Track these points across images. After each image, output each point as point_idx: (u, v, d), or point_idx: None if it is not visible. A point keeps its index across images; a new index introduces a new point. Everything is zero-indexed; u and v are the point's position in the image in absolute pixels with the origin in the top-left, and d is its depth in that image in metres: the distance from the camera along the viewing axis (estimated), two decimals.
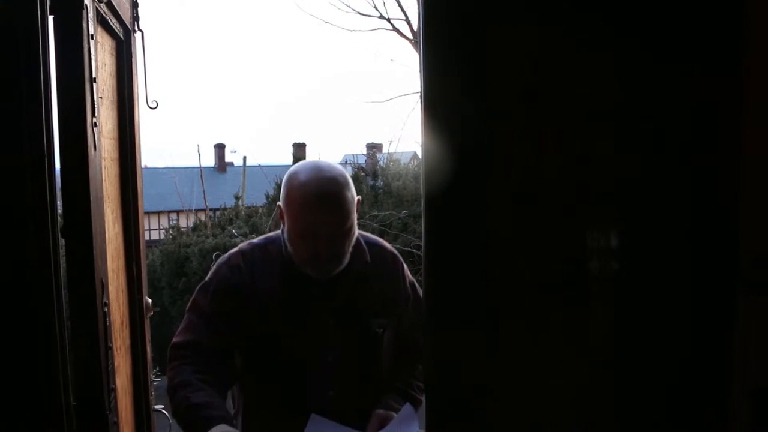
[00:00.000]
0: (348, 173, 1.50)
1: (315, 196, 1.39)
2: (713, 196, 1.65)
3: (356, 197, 1.47)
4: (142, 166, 2.15)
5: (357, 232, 1.52)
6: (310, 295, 1.51)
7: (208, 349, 1.44)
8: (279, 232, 1.56)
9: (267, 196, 9.32)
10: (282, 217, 1.49)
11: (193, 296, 1.55)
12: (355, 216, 1.46)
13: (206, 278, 1.56)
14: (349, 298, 1.54)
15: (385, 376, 1.63)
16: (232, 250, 1.59)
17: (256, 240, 1.62)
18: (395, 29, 9.62)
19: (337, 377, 1.54)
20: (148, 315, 2.21)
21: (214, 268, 1.57)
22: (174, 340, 1.49)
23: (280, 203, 1.49)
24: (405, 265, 1.69)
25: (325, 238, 1.41)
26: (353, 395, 1.56)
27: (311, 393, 1.52)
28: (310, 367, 1.52)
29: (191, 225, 9.62)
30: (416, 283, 1.66)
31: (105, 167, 1.71)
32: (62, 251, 1.45)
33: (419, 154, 1.82)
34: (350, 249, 1.48)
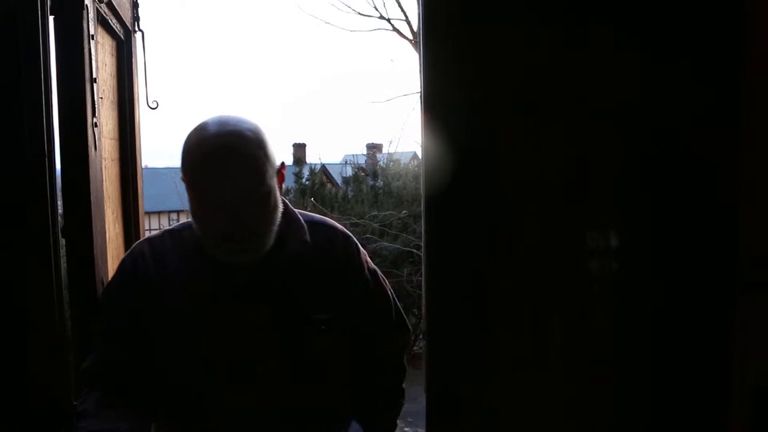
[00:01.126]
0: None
1: (213, 153, 1.09)
2: (713, 196, 1.65)
3: (276, 160, 1.19)
4: (143, 166, 2.16)
5: (281, 205, 1.23)
6: (233, 288, 1.21)
7: (114, 367, 1.17)
8: None
9: None
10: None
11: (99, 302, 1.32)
12: (275, 182, 1.17)
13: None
14: (283, 288, 1.24)
15: (334, 391, 1.31)
16: (142, 239, 1.32)
17: (174, 226, 1.34)
18: (395, 29, 9.63)
19: (269, 395, 1.22)
20: None
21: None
22: (82, 365, 1.25)
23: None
24: (362, 250, 1.38)
25: (231, 207, 1.10)
26: (293, 420, 1.24)
27: (235, 420, 1.21)
28: (234, 382, 1.21)
29: None
30: (379, 272, 1.39)
31: (105, 167, 1.71)
32: (63, 251, 1.45)
33: (419, 154, 1.73)
34: (274, 225, 1.19)
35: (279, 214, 1.21)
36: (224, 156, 1.10)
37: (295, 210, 1.32)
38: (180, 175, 1.18)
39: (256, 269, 1.22)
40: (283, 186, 1.24)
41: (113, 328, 1.21)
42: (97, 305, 1.30)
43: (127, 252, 1.30)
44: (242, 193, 1.12)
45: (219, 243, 1.15)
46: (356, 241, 1.38)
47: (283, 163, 1.22)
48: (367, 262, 1.40)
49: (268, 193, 1.16)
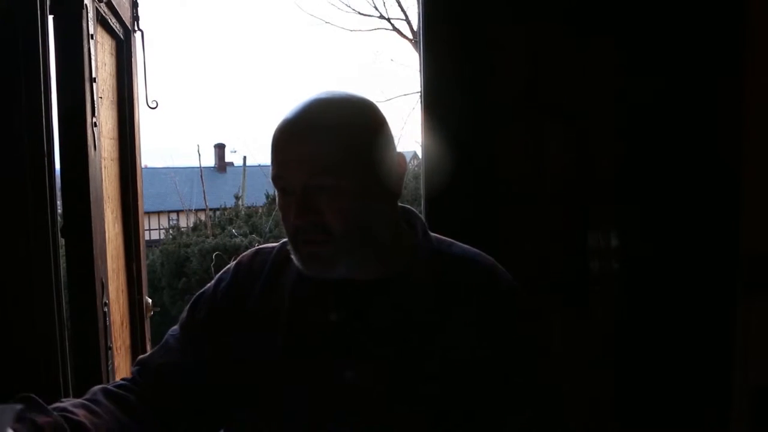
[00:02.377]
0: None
1: (289, 123, 0.86)
2: (713, 197, 1.65)
3: (387, 148, 0.89)
4: (142, 165, 2.15)
5: (394, 214, 0.94)
6: (320, 320, 0.90)
7: (152, 371, 0.94)
8: None
9: (267, 196, 9.31)
10: None
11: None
12: (376, 175, 0.87)
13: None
14: (389, 332, 0.89)
15: None
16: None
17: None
18: (395, 29, 9.63)
19: None
20: (148, 315, 2.21)
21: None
22: None
23: None
24: (523, 306, 0.96)
25: (297, 183, 0.84)
26: None
27: None
28: None
29: (191, 225, 9.61)
30: (535, 342, 0.97)
31: (105, 167, 1.71)
32: (62, 251, 1.45)
33: (419, 153, 1.64)
34: (365, 231, 0.87)
35: (385, 224, 0.90)
36: (298, 123, 0.86)
37: (439, 237, 0.99)
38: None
39: (344, 294, 0.90)
40: (402, 189, 0.92)
41: (180, 326, 0.99)
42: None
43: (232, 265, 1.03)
44: (309, 166, 0.83)
45: (294, 241, 0.87)
46: (521, 295, 0.96)
47: (400, 155, 0.92)
48: (523, 325, 0.95)
49: (355, 180, 0.85)
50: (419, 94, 1.51)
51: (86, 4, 1.45)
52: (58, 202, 1.43)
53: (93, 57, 1.50)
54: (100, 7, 1.63)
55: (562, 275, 1.65)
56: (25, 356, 1.35)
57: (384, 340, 0.88)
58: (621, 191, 1.66)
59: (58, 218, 1.41)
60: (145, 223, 2.21)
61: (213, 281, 1.01)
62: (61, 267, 1.43)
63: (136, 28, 2.02)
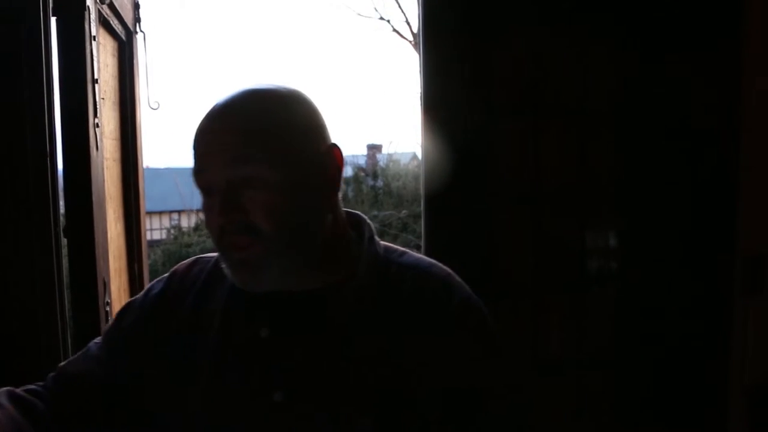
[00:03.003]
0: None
1: (209, 114, 0.80)
2: (712, 198, 1.65)
3: (319, 136, 0.82)
4: (144, 166, 2.16)
5: (334, 217, 0.84)
6: (251, 337, 0.82)
7: (66, 380, 0.87)
8: None
9: None
10: None
11: None
12: (306, 169, 0.79)
13: None
14: (324, 349, 0.80)
15: None
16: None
17: None
18: (395, 30, 9.63)
19: None
20: None
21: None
22: None
23: None
24: (491, 329, 0.85)
25: (221, 181, 0.77)
26: None
27: None
28: None
29: (193, 225, 9.63)
30: (493, 355, 0.85)
31: (107, 167, 1.72)
32: (64, 251, 1.45)
33: (419, 154, 1.63)
34: (297, 231, 0.78)
35: (320, 223, 0.81)
36: (217, 111, 0.79)
37: (390, 246, 0.90)
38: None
39: (287, 315, 0.82)
40: (339, 185, 0.84)
41: (93, 346, 0.91)
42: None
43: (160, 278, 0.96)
44: (231, 156, 0.76)
45: (221, 247, 0.79)
46: (483, 310, 0.86)
47: (335, 146, 0.83)
48: (481, 345, 0.83)
49: (282, 171, 0.77)
50: (419, 94, 1.52)
51: (88, 6, 1.45)
52: (61, 203, 1.43)
53: (95, 58, 1.51)
54: (102, 8, 1.64)
55: (562, 275, 1.65)
56: (26, 356, 1.36)
57: (318, 357, 0.79)
58: (620, 191, 1.67)
59: (61, 218, 1.42)
60: (146, 223, 2.22)
61: (144, 289, 0.94)
62: (63, 267, 1.43)
63: (137, 30, 2.03)
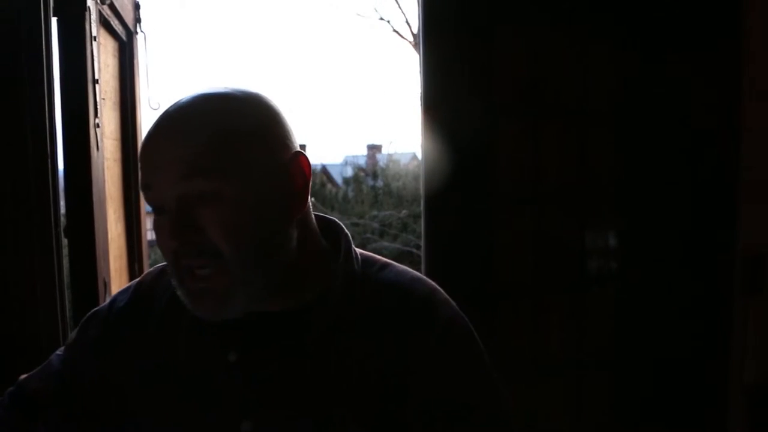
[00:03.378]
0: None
1: (156, 124, 0.72)
2: (712, 198, 1.65)
3: (282, 144, 0.74)
4: None
5: (303, 232, 0.76)
6: (217, 361, 0.76)
7: (25, 397, 0.82)
8: None
9: None
10: None
11: None
12: (268, 180, 0.71)
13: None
14: (295, 376, 0.74)
15: None
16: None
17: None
18: (395, 31, 9.65)
19: None
20: None
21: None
22: None
23: None
24: (478, 346, 0.79)
25: (172, 198, 0.69)
26: None
27: None
28: None
29: None
30: (491, 389, 0.78)
31: (107, 168, 1.72)
32: (64, 251, 1.46)
33: (419, 154, 1.61)
34: (260, 251, 0.71)
35: (287, 239, 0.74)
36: (165, 119, 0.71)
37: (370, 258, 0.82)
38: None
39: (255, 337, 0.76)
40: (308, 196, 0.76)
41: (55, 359, 0.85)
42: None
43: (117, 293, 0.88)
44: (182, 169, 0.68)
45: (177, 274, 0.71)
46: (468, 328, 0.79)
47: (300, 154, 0.75)
48: (477, 370, 0.78)
49: (240, 184, 0.69)
50: (419, 94, 1.52)
51: (89, 6, 1.45)
52: (61, 203, 1.43)
53: (96, 59, 1.51)
54: (103, 9, 1.64)
55: (562, 275, 1.65)
56: (27, 356, 1.36)
57: (289, 384, 0.73)
58: (620, 191, 1.67)
59: (61, 218, 1.42)
60: (146, 223, 2.22)
61: (109, 300, 0.87)
62: (64, 267, 1.44)
63: (138, 30, 2.03)
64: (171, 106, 0.72)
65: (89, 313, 0.87)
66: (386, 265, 0.81)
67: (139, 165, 0.73)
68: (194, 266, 0.69)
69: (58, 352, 0.86)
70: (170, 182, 0.68)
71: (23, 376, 0.85)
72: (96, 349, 0.82)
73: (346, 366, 0.73)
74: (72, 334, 0.86)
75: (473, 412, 0.75)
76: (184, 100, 0.73)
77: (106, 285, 1.56)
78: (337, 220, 0.84)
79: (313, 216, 0.79)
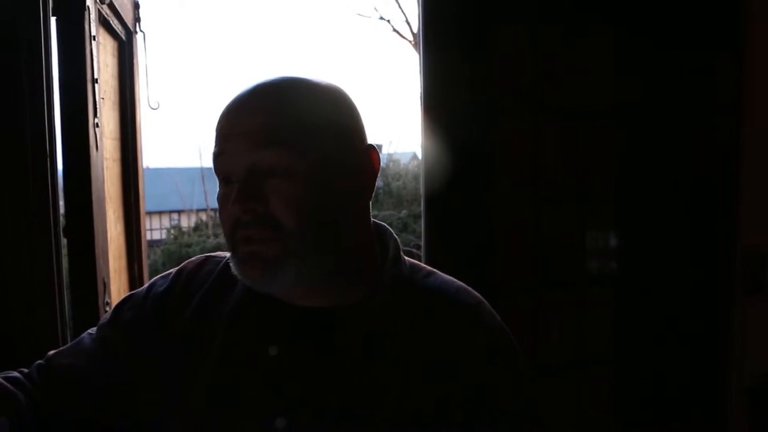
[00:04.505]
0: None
1: (238, 95, 0.72)
2: (712, 197, 1.65)
3: (356, 134, 0.75)
4: (144, 166, 2.16)
5: (362, 224, 0.77)
6: (256, 353, 0.74)
7: (54, 371, 0.80)
8: None
9: None
10: None
11: None
12: (339, 167, 0.71)
13: None
14: (334, 374, 0.72)
15: None
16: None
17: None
18: (395, 30, 9.64)
19: None
20: None
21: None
22: None
23: None
24: (521, 366, 0.78)
25: (243, 166, 0.69)
26: None
27: None
28: None
29: (193, 225, 9.64)
30: (530, 406, 0.77)
31: (107, 167, 1.72)
32: (64, 251, 1.45)
33: (419, 154, 1.60)
34: (323, 232, 0.70)
35: (351, 227, 0.74)
36: (249, 90, 0.72)
37: (416, 265, 0.81)
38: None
39: (298, 331, 0.73)
40: (373, 189, 0.77)
41: (87, 337, 0.83)
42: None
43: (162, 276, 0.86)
44: (258, 138, 0.68)
45: (232, 239, 0.70)
46: (514, 344, 0.78)
47: (372, 148, 0.75)
48: (520, 388, 0.76)
49: (314, 163, 0.69)
50: (419, 94, 1.52)
51: (88, 6, 1.45)
52: (61, 203, 1.43)
53: (95, 58, 1.51)
54: (102, 8, 1.64)
55: (562, 275, 1.65)
56: (26, 355, 1.36)
57: (328, 383, 0.71)
58: (620, 191, 1.67)
59: (61, 218, 1.42)
60: (146, 223, 2.22)
61: (147, 284, 0.85)
62: (63, 267, 1.43)
63: (137, 30, 2.03)
64: (252, 84, 0.73)
65: (126, 295, 0.86)
66: (432, 272, 0.80)
67: (214, 133, 0.72)
68: (253, 236, 0.68)
69: (90, 331, 0.84)
70: (244, 151, 0.68)
71: (52, 352, 0.83)
72: (129, 331, 0.80)
73: (387, 369, 0.72)
74: (106, 315, 0.85)
75: (511, 425, 0.74)
76: (269, 79, 0.73)
77: (106, 285, 1.56)
78: (387, 225, 0.83)
79: (370, 215, 0.79)
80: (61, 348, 0.85)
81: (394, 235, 0.82)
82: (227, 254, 0.78)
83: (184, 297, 0.80)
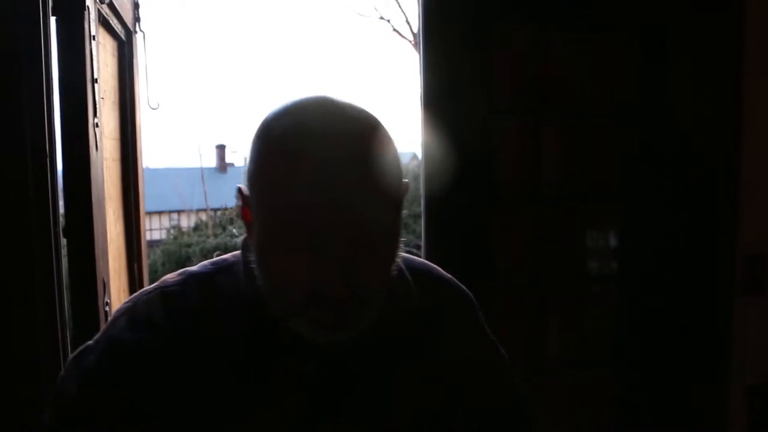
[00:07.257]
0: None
1: (321, 151, 0.59)
2: (712, 198, 1.65)
3: (402, 174, 0.67)
4: (144, 166, 2.16)
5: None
6: (299, 381, 0.69)
7: None
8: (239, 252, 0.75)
9: None
10: (247, 216, 0.67)
11: (59, 380, 0.77)
12: (401, 207, 0.67)
13: (88, 343, 0.75)
14: (377, 387, 0.72)
15: None
16: (148, 288, 0.74)
17: (196, 267, 0.77)
18: (395, 30, 9.65)
19: None
20: None
21: (108, 322, 0.74)
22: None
23: (241, 185, 0.68)
24: (481, 314, 0.86)
25: (344, 246, 0.60)
26: None
27: None
28: None
29: (192, 225, 9.64)
30: (500, 347, 0.86)
31: (107, 168, 1.72)
32: (64, 251, 1.45)
33: (419, 154, 1.60)
34: (389, 280, 0.67)
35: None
36: (342, 155, 0.59)
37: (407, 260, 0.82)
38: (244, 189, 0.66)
39: (335, 351, 0.68)
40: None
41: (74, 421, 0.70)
42: (57, 384, 0.77)
43: (126, 307, 0.72)
44: (365, 221, 0.60)
45: (301, 309, 0.62)
46: (474, 300, 0.84)
47: (407, 183, 0.68)
48: (488, 332, 0.85)
49: (396, 224, 0.64)
50: (419, 94, 1.52)
51: (88, 6, 1.45)
52: (60, 203, 1.43)
53: (95, 58, 1.51)
54: (102, 8, 1.64)
55: (562, 275, 1.65)
56: (26, 356, 1.36)
57: (361, 402, 0.68)
58: (620, 191, 1.67)
59: (60, 218, 1.41)
60: (146, 223, 2.22)
61: (104, 350, 0.71)
62: (63, 267, 1.43)
63: (137, 29, 2.03)
64: (312, 120, 0.61)
65: (98, 381, 0.71)
66: (405, 255, 0.79)
67: (278, 194, 0.60)
68: (341, 306, 0.61)
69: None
70: (345, 219, 0.58)
71: None
72: (155, 383, 0.67)
73: (412, 386, 0.72)
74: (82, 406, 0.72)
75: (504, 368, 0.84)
76: (326, 113, 0.62)
77: (106, 285, 1.56)
78: None
79: None
80: None
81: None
82: (200, 270, 0.73)
83: (174, 349, 0.68)
